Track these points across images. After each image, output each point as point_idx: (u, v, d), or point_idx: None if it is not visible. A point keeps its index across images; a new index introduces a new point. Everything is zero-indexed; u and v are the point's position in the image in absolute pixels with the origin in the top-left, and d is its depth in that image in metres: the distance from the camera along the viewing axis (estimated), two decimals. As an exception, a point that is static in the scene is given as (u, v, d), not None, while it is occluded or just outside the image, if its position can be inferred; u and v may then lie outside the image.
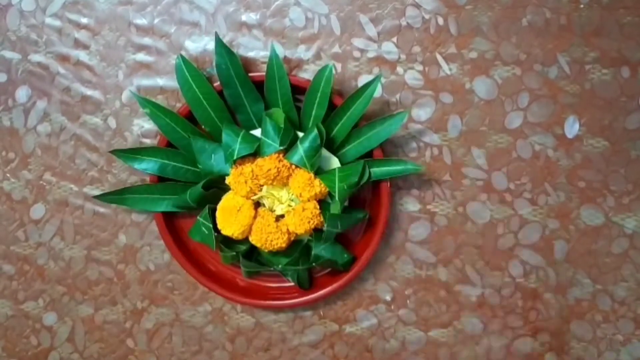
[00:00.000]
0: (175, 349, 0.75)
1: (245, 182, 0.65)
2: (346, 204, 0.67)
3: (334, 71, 0.65)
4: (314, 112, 0.66)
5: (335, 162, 0.67)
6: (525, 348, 0.73)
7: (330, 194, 0.66)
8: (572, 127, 0.71)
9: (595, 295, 0.72)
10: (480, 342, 0.73)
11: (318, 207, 0.65)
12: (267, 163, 0.64)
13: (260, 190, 0.66)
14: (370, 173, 0.66)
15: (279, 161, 0.64)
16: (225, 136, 0.65)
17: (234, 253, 0.68)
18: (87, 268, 0.74)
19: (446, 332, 0.73)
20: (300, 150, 0.64)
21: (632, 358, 0.72)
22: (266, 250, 0.67)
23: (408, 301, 0.73)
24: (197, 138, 0.66)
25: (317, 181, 0.65)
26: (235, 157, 0.64)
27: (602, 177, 0.71)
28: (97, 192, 0.73)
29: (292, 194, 0.66)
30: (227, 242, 0.68)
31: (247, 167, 0.65)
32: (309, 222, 0.65)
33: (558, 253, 0.72)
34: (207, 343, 0.75)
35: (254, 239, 0.66)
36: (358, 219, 0.67)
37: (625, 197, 0.71)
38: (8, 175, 0.74)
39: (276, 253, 0.68)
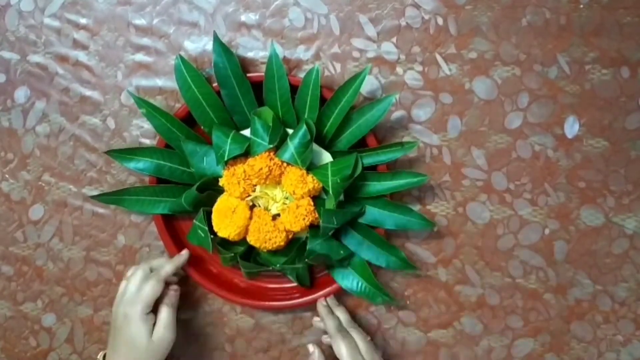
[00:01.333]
0: (174, 350, 0.75)
1: (238, 182, 0.65)
2: (342, 198, 0.67)
3: (321, 72, 0.65)
4: (306, 115, 0.66)
5: (327, 157, 0.67)
6: (526, 348, 0.73)
7: (325, 189, 0.66)
8: (572, 127, 0.70)
9: (596, 296, 0.72)
10: (480, 343, 0.73)
11: (312, 203, 0.65)
12: (259, 162, 0.64)
13: (254, 190, 0.66)
14: (361, 167, 0.65)
15: (270, 159, 0.64)
16: (216, 138, 0.65)
17: (232, 254, 0.68)
18: (86, 269, 0.74)
19: (446, 332, 0.73)
20: (291, 147, 0.63)
21: (632, 358, 0.72)
22: (265, 250, 0.67)
23: (408, 302, 0.73)
24: (188, 141, 0.66)
25: (310, 177, 0.64)
26: (226, 158, 0.64)
27: (602, 178, 0.71)
28: (96, 193, 0.73)
29: (286, 192, 0.66)
30: (224, 244, 0.68)
31: (239, 168, 0.65)
32: (303, 219, 0.65)
33: (558, 253, 0.72)
34: (207, 344, 0.75)
35: (251, 239, 0.66)
36: (354, 214, 0.67)
37: (625, 198, 0.71)
38: (7, 176, 0.74)
39: (275, 252, 0.67)
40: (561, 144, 0.71)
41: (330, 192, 0.63)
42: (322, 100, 0.66)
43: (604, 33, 0.69)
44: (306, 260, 0.67)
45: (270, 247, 0.66)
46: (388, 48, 0.70)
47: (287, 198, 0.66)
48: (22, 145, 0.73)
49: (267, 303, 0.70)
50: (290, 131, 0.66)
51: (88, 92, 0.72)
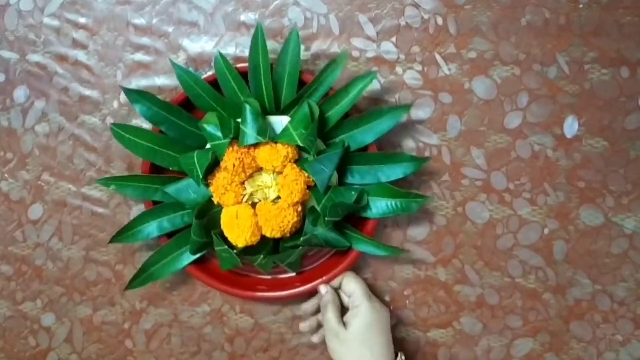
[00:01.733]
0: (174, 350, 0.75)
1: (226, 190, 0.65)
2: (335, 182, 0.66)
3: (301, 52, 0.65)
4: (284, 88, 0.66)
5: (286, 120, 0.66)
6: (525, 348, 0.73)
7: (300, 149, 0.65)
8: (571, 127, 0.70)
9: (595, 296, 0.72)
10: (480, 343, 0.73)
11: (296, 167, 0.64)
12: (228, 160, 0.64)
13: (245, 189, 0.66)
14: (317, 110, 0.65)
15: (236, 152, 0.64)
16: (184, 165, 0.65)
17: (262, 256, 0.67)
18: (86, 268, 0.74)
19: (445, 332, 0.73)
20: (245, 130, 0.63)
21: (631, 358, 0.72)
22: (288, 235, 0.66)
23: (407, 301, 0.73)
24: (167, 185, 0.67)
25: (279, 146, 0.64)
26: (201, 176, 0.64)
27: (601, 177, 0.71)
28: (95, 193, 0.73)
29: (271, 173, 0.65)
30: (249, 251, 0.67)
31: (219, 177, 0.65)
32: (296, 184, 0.64)
33: (557, 253, 0.72)
34: (206, 344, 0.75)
35: (268, 232, 0.66)
36: (339, 153, 0.65)
37: (624, 197, 0.71)
38: (6, 175, 0.74)
39: (297, 234, 0.67)
40: (560, 143, 0.71)
41: (302, 144, 0.63)
42: (302, 82, 0.66)
43: (604, 33, 0.69)
44: (326, 218, 0.65)
45: (288, 229, 0.65)
46: (387, 48, 0.70)
47: (275, 179, 0.66)
48: (21, 145, 0.73)
49: (261, 294, 0.70)
50: (272, 118, 0.66)
51: (87, 92, 0.72)
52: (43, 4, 0.72)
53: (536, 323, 0.72)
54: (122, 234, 0.69)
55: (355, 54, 0.70)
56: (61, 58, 0.72)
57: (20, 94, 0.73)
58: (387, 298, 0.73)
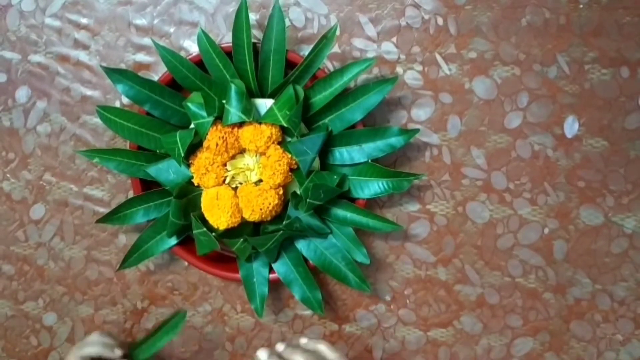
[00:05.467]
0: (175, 349, 0.75)
1: (207, 170, 0.64)
2: (318, 167, 0.66)
3: (286, 26, 0.64)
4: (271, 65, 0.66)
5: (271, 103, 0.66)
6: (525, 348, 0.73)
7: (285, 130, 0.65)
8: (571, 127, 0.71)
9: (595, 295, 0.72)
10: (480, 342, 0.73)
11: (280, 148, 0.64)
12: (211, 139, 0.64)
13: (226, 170, 0.66)
14: (302, 92, 0.64)
15: (220, 131, 0.64)
16: (166, 144, 0.65)
17: (242, 240, 0.66)
18: (87, 268, 0.74)
19: (446, 332, 0.73)
20: (230, 108, 0.63)
21: (631, 358, 0.72)
22: (268, 219, 0.66)
23: (408, 301, 0.73)
24: (147, 165, 0.66)
25: (263, 127, 0.64)
26: (183, 155, 0.63)
27: (601, 177, 0.71)
28: (97, 193, 0.73)
29: (254, 154, 0.65)
30: (229, 235, 0.67)
31: (201, 157, 0.65)
32: (279, 165, 0.64)
33: (557, 253, 0.72)
34: (207, 343, 0.75)
35: (248, 215, 0.65)
36: (323, 137, 0.65)
37: (624, 197, 0.71)
38: (8, 175, 0.74)
39: (278, 218, 0.66)
40: (561, 143, 0.71)
41: (286, 124, 0.63)
42: (289, 63, 0.66)
43: (604, 33, 0.69)
44: (308, 200, 0.64)
45: (268, 212, 0.65)
46: (388, 48, 0.71)
47: (257, 162, 0.65)
48: (23, 145, 0.73)
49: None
50: (258, 101, 0.66)
51: (89, 92, 0.73)
52: (45, 4, 0.72)
53: (536, 322, 0.73)
54: (110, 216, 0.69)
55: (355, 54, 0.71)
56: (63, 58, 0.72)
57: (22, 94, 0.73)
58: (387, 298, 0.73)
